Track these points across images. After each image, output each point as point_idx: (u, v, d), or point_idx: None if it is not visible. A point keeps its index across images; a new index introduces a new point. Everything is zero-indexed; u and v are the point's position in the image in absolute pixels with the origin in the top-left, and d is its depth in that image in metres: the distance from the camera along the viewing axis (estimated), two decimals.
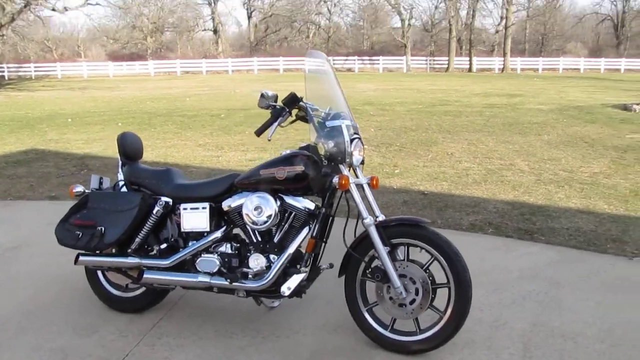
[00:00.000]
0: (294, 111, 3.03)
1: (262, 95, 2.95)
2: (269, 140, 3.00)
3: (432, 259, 2.89)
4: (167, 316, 3.34)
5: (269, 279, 2.91)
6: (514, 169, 7.73)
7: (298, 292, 2.95)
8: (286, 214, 2.96)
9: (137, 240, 3.13)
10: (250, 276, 2.97)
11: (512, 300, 3.57)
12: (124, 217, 3.07)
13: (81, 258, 3.20)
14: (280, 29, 53.52)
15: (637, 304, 3.54)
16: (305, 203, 2.94)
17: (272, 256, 2.97)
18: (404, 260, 2.94)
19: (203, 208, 3.06)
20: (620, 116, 13.56)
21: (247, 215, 2.93)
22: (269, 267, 2.95)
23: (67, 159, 8.49)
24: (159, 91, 21.83)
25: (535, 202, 6.03)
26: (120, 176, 3.28)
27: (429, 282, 2.87)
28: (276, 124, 2.96)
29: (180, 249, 3.12)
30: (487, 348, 3.01)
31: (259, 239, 3.03)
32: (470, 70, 37.41)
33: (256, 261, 2.96)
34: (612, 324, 3.28)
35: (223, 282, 2.99)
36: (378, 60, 38.44)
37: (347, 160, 2.90)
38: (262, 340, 3.07)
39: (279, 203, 2.93)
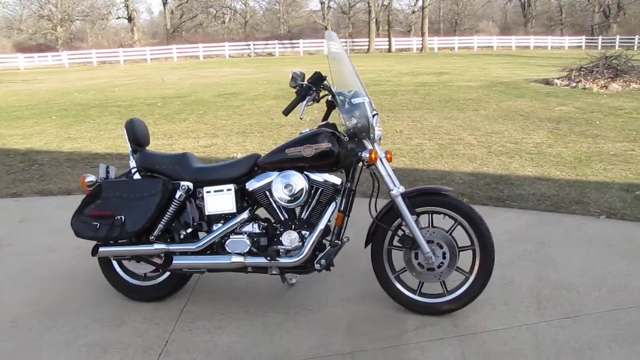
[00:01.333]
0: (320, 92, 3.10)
1: (293, 76, 3.00)
2: (301, 118, 3.08)
3: (455, 224, 3.07)
4: (190, 301, 3.34)
5: (303, 254, 2.99)
6: (464, 143, 8.09)
7: (328, 265, 3.05)
8: (312, 191, 3.03)
9: (160, 226, 3.11)
10: (283, 253, 3.02)
11: (510, 261, 3.83)
12: (145, 204, 3.04)
13: (101, 249, 3.14)
14: (196, 15, 52.35)
15: (619, 256, 3.89)
16: (331, 179, 3.03)
17: (303, 232, 3.04)
18: (428, 227, 3.09)
19: (228, 190, 3.09)
20: (545, 90, 14.39)
21: (277, 193, 2.99)
22: (302, 244, 3.02)
23: (9, 155, 8.06)
24: (82, 82, 20.89)
25: (494, 172, 6.38)
26: (133, 163, 3.22)
27: (455, 245, 3.04)
28: (304, 102, 3.02)
29: (207, 233, 3.13)
30: (504, 304, 3.23)
31: (287, 216, 3.09)
32: (389, 50, 38.19)
33: (289, 238, 3.03)
34: (603, 274, 3.61)
35: (259, 260, 3.04)
36: (298, 43, 38.43)
37: (371, 135, 3.01)
38: (295, 316, 3.15)
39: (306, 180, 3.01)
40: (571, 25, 50.41)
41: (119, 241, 3.16)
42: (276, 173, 3.07)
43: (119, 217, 3.04)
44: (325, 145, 2.99)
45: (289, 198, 3.00)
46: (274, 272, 3.11)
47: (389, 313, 3.16)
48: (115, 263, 3.33)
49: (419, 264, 3.08)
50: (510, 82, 16.20)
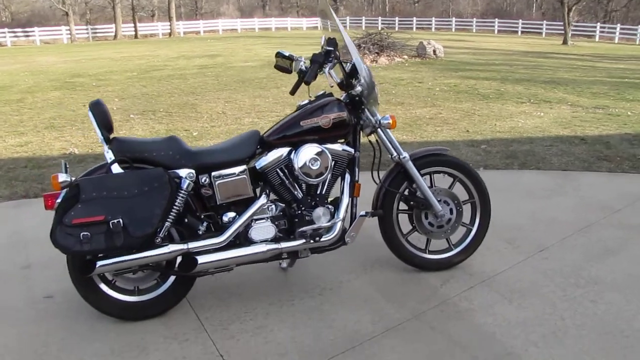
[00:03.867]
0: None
1: (289, 56, 3.08)
2: (332, 86, 2.90)
3: (454, 180, 3.19)
4: (196, 308, 2.88)
5: (337, 230, 2.83)
6: None
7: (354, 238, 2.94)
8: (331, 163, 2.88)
9: (167, 224, 2.62)
10: (324, 232, 2.81)
11: None
12: (149, 199, 2.52)
13: (100, 264, 2.51)
14: None
15: (525, 197, 4.45)
16: (346, 149, 2.91)
17: (329, 208, 2.87)
18: (431, 186, 3.16)
19: (240, 172, 2.74)
20: None
21: (303, 169, 2.76)
22: (330, 220, 2.84)
23: None
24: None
25: None
26: (110, 154, 2.62)
27: (459, 200, 3.18)
28: (327, 70, 2.87)
29: (226, 223, 2.74)
30: (487, 249, 3.47)
31: (306, 193, 2.87)
32: (136, 36, 36.41)
33: (321, 216, 2.82)
34: (532, 212, 4.10)
35: (295, 244, 2.77)
36: (33, 31, 34.21)
37: (378, 103, 2.98)
38: (323, 297, 2.97)
39: None
40: (306, 7, 53.97)
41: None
42: (287, 149, 2.82)
43: (115, 220, 2.46)
44: (342, 114, 2.86)
45: (317, 172, 2.79)
46: (303, 255, 2.86)
47: (406, 276, 3.17)
48: (101, 283, 2.69)
49: (429, 223, 3.14)
50: None
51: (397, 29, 35.81)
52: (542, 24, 37.06)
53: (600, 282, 3.09)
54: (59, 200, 2.52)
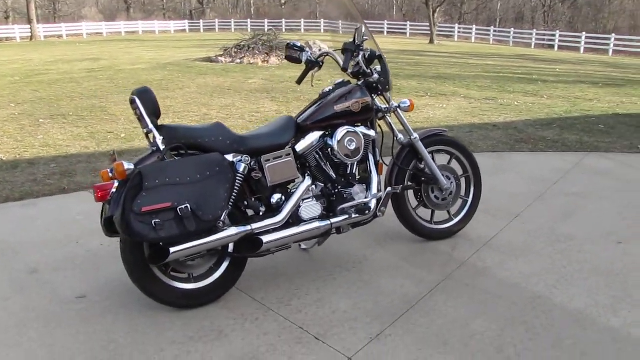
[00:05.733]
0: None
1: (300, 46, 3.27)
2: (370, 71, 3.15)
3: (451, 157, 3.60)
4: (247, 290, 3.00)
5: (374, 205, 3.10)
6: (217, 118, 8.34)
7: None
8: None
9: (229, 207, 2.73)
10: (368, 207, 3.06)
11: None
12: (214, 183, 2.61)
13: (174, 250, 2.56)
14: None
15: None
16: (369, 131, 3.19)
17: (363, 185, 3.13)
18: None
19: (287, 155, 2.92)
20: (218, 67, 15.35)
21: (342, 150, 3.00)
22: (366, 196, 3.11)
23: None
24: None
25: None
26: (160, 142, 2.67)
27: (458, 175, 3.58)
28: (359, 57, 3.10)
29: (274, 205, 2.89)
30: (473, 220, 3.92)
31: (341, 173, 3.11)
32: None
33: (359, 193, 3.07)
34: (492, 186, 4.64)
35: (341, 219, 3.00)
36: None
37: (392, 88, 3.30)
38: (361, 269, 3.21)
39: None
40: (173, 10, 52.71)
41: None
42: (320, 132, 3.05)
43: (182, 206, 2.53)
44: (367, 99, 3.13)
45: (352, 153, 3.04)
46: (344, 231, 3.10)
47: (419, 246, 3.51)
48: (158, 272, 2.72)
49: (435, 196, 3.51)
50: (177, 63, 16.59)
51: (266, 30, 36.24)
52: (405, 25, 39.42)
53: (574, 237, 3.64)
54: (113, 191, 2.53)
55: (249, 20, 43.74)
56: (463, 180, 3.65)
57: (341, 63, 3.13)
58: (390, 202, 3.32)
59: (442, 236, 3.58)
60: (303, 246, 3.45)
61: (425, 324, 2.63)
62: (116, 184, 2.55)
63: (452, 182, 3.53)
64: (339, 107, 3.04)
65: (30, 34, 33.76)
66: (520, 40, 33.97)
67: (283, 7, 54.21)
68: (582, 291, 2.93)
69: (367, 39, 3.18)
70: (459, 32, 37.23)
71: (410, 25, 39.10)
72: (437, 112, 8.67)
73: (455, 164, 3.61)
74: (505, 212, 4.07)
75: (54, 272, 3.24)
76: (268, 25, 40.93)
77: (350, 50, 3.11)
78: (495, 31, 36.22)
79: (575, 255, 3.37)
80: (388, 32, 39.41)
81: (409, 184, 3.45)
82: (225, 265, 2.85)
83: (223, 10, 53.75)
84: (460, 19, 44.39)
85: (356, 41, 3.13)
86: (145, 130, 2.68)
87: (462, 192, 3.66)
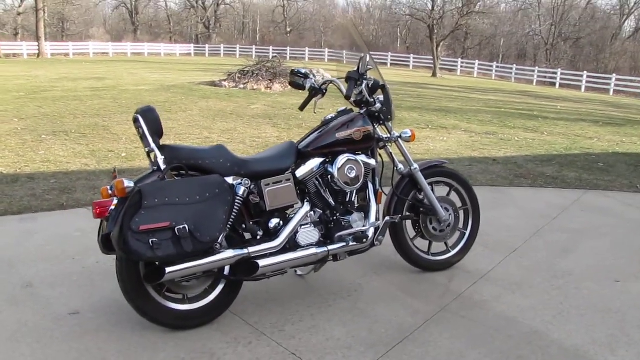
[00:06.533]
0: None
1: (305, 73, 3.32)
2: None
3: (450, 189, 3.60)
4: (240, 313, 2.98)
5: (372, 234, 3.09)
6: (218, 141, 8.37)
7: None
8: None
9: (226, 230, 2.73)
10: (366, 235, 3.06)
11: None
12: (213, 205, 2.62)
13: (170, 270, 2.55)
14: None
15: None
16: (369, 160, 3.21)
17: (361, 213, 3.13)
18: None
19: (287, 180, 2.93)
20: (221, 91, 15.46)
21: (342, 177, 3.01)
22: (364, 224, 3.11)
23: None
24: None
25: None
26: (161, 161, 2.67)
27: (457, 207, 3.58)
28: (362, 87, 3.13)
29: (272, 229, 2.89)
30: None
31: (340, 200, 3.11)
32: None
33: (358, 221, 3.07)
34: (495, 219, 4.64)
35: (338, 247, 2.99)
36: None
37: (395, 118, 3.32)
38: (357, 297, 3.19)
39: None
40: (179, 34, 53.34)
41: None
42: (321, 159, 3.06)
43: (180, 226, 2.53)
44: (369, 127, 3.16)
45: (353, 180, 3.04)
46: (341, 258, 3.09)
47: (415, 277, 3.50)
48: (152, 290, 2.71)
49: (433, 227, 3.50)
50: (181, 85, 16.72)
51: (270, 57, 36.62)
52: (409, 57, 39.86)
53: (572, 273, 3.63)
54: (112, 208, 2.53)
55: (254, 47, 44.18)
56: (462, 213, 3.65)
57: (344, 91, 3.16)
58: (387, 231, 3.32)
59: (439, 267, 3.57)
60: (299, 272, 3.43)
61: (419, 354, 2.61)
62: (115, 201, 2.55)
63: (450, 214, 3.53)
64: (340, 135, 3.06)
65: (37, 51, 34.06)
66: (522, 77, 34.34)
67: (288, 35, 54.86)
68: (579, 328, 2.91)
69: (371, 68, 3.21)
70: (461, 66, 37.65)
71: (414, 58, 39.55)
72: (437, 145, 8.71)
73: (454, 196, 3.62)
74: (503, 246, 4.06)
75: (49, 287, 3.22)
76: (273, 52, 41.45)
77: (353, 78, 3.15)
78: (497, 67, 36.64)
79: (572, 291, 3.35)
80: (391, 64, 39.82)
81: (408, 214, 3.45)
82: (220, 287, 2.84)
83: (229, 36, 54.38)
84: (463, 53, 44.93)
85: (360, 70, 3.16)
86: (147, 149, 2.69)
87: (461, 225, 3.65)
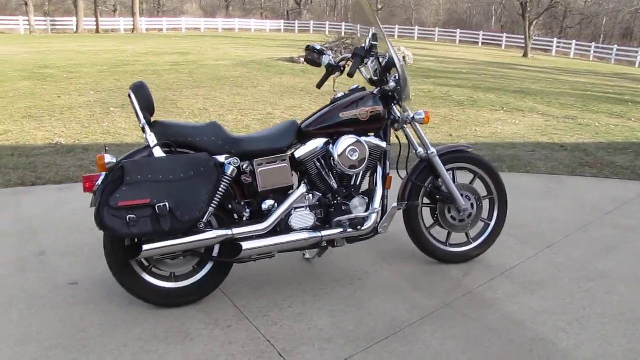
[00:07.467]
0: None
1: (320, 50, 3.17)
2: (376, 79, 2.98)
3: (474, 177, 3.32)
4: (230, 295, 2.91)
5: (373, 220, 2.91)
6: (280, 117, 8.32)
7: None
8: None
9: (211, 209, 2.64)
10: (361, 222, 2.88)
11: None
12: (196, 184, 2.54)
13: (146, 248, 2.51)
14: None
15: (528, 198, 4.62)
16: (379, 142, 3.00)
17: (365, 198, 2.95)
18: (454, 181, 3.28)
19: (282, 161, 2.79)
20: (297, 67, 15.38)
21: (342, 159, 2.83)
22: (366, 210, 2.92)
23: None
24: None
25: None
26: (152, 138, 2.61)
27: (480, 196, 3.30)
28: (370, 62, 2.95)
29: (265, 211, 2.78)
30: (498, 244, 3.61)
31: (341, 184, 2.94)
32: (97, 31, 35.61)
33: (358, 206, 2.90)
34: (533, 210, 4.28)
35: (334, 232, 2.84)
36: None
37: (411, 98, 3.08)
38: (358, 286, 3.04)
39: None
40: (270, 9, 53.96)
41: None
42: (324, 139, 2.89)
43: (161, 204, 2.47)
44: (378, 107, 2.95)
45: (354, 163, 2.86)
46: (339, 245, 2.93)
47: (428, 268, 3.28)
48: (137, 266, 2.69)
49: (452, 217, 3.25)
50: (259, 61, 16.82)
51: (359, 35, 36.18)
52: (502, 37, 38.18)
53: (608, 276, 3.26)
54: (99, 183, 2.51)
55: (343, 24, 43.83)
56: (486, 203, 3.37)
57: (365, 74, 2.98)
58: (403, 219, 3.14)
59: (457, 260, 3.33)
60: (307, 255, 3.31)
61: (402, 353, 2.43)
62: (102, 176, 2.53)
63: (472, 203, 3.27)
64: (345, 115, 2.89)
65: (132, 27, 35.56)
66: (623, 59, 31.92)
67: (379, 12, 53.96)
68: (594, 338, 2.60)
69: (375, 44, 3.00)
70: (557, 46, 35.55)
71: (507, 37, 37.78)
72: (505, 128, 8.23)
73: (479, 184, 3.34)
74: (538, 240, 3.73)
75: (59, 256, 3.30)
76: (360, 30, 40.96)
77: (359, 55, 2.95)
78: (596, 47, 34.28)
79: (601, 296, 3.02)
80: (483, 43, 38.30)
81: (425, 201, 3.23)
82: (208, 267, 2.77)
83: (320, 12, 54.34)
84: (561, 33, 42.40)
85: (365, 46, 2.96)
86: (140, 125, 2.65)
87: (485, 215, 3.38)
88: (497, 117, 9.15)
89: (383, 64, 3.04)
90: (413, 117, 3.06)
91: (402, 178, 3.20)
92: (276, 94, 10.63)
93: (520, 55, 28.67)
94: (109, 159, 2.47)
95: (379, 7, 53.45)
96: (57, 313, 2.68)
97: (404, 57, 17.39)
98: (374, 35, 3.01)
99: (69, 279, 3.02)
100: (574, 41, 35.47)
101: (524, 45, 29.39)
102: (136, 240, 2.55)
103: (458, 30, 40.59)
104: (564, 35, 41.66)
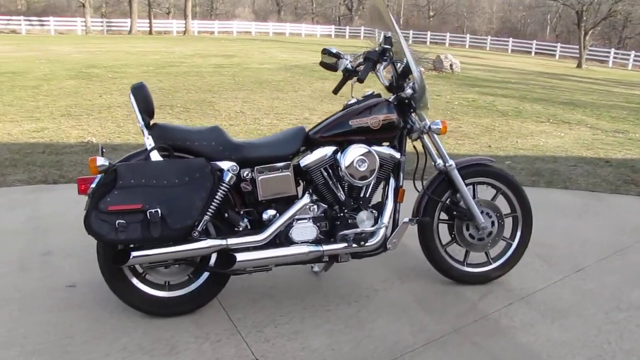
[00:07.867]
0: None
1: (336, 53, 2.99)
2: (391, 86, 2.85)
3: (497, 193, 3.09)
4: (226, 307, 2.78)
5: (380, 236, 2.73)
6: (316, 121, 8.14)
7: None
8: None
9: (206, 218, 2.51)
10: (367, 236, 2.71)
11: None
12: (190, 190, 2.42)
13: (134, 254, 2.40)
14: None
15: (562, 216, 4.33)
16: (393, 152, 2.82)
17: (373, 212, 2.77)
18: (474, 197, 3.06)
19: (285, 169, 2.64)
20: (340, 73, 15.22)
21: (350, 170, 2.66)
22: (374, 225, 2.75)
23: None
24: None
25: None
26: (150, 141, 2.51)
27: (501, 213, 3.07)
28: (381, 67, 2.77)
29: (265, 221, 2.63)
30: (524, 266, 3.36)
31: (349, 195, 2.77)
32: (150, 32, 36.45)
33: (365, 220, 2.73)
34: (563, 230, 3.99)
35: (337, 247, 2.67)
36: (48, 21, 34.25)
37: (429, 106, 2.89)
38: (364, 304, 2.86)
39: None
40: (321, 15, 54.12)
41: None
42: (333, 148, 2.73)
43: (152, 210, 2.36)
44: (391, 116, 2.77)
45: (363, 174, 2.69)
46: (343, 260, 2.76)
47: (443, 288, 3.07)
48: (129, 273, 2.59)
49: (470, 235, 3.03)
50: (304, 66, 16.78)
51: (410, 42, 35.78)
52: (556, 46, 37.10)
53: None
54: (93, 185, 2.42)
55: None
56: (509, 221, 3.14)
57: (382, 80, 2.82)
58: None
59: (475, 281, 3.11)
60: (315, 269, 3.16)
61: None
62: (97, 179, 2.45)
63: (492, 221, 3.04)
64: (355, 122, 2.72)
65: (184, 29, 36.23)
66: None
67: (431, 19, 53.43)
68: None
69: (389, 47, 2.83)
70: (614, 57, 34.24)
71: (561, 47, 36.67)
72: (549, 140, 7.87)
73: (501, 201, 3.11)
74: (567, 263, 3.47)
75: (63, 257, 3.25)
76: (412, 37, 40.57)
77: (371, 59, 2.78)
78: None
79: (632, 329, 2.75)
80: (536, 53, 37.29)
81: (442, 217, 3.03)
82: (203, 278, 2.65)
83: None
84: (619, 43, 40.88)
85: (378, 50, 2.79)
86: (140, 126, 2.57)
87: (508, 234, 3.14)
88: (541, 129, 8.77)
89: (399, 70, 2.85)
90: (429, 127, 2.86)
91: (418, 191, 3.01)
92: (316, 99, 10.53)
93: (574, 66, 27.74)
94: (101, 161, 2.39)
95: (431, 14, 52.94)
96: (48, 316, 2.62)
97: (450, 65, 17.02)
98: (388, 38, 2.83)
99: (68, 281, 2.96)
100: (633, 52, 34.04)
101: (578, 55, 28.43)
102: (127, 246, 2.44)
103: (510, 39, 39.64)
104: (623, 46, 40.15)
